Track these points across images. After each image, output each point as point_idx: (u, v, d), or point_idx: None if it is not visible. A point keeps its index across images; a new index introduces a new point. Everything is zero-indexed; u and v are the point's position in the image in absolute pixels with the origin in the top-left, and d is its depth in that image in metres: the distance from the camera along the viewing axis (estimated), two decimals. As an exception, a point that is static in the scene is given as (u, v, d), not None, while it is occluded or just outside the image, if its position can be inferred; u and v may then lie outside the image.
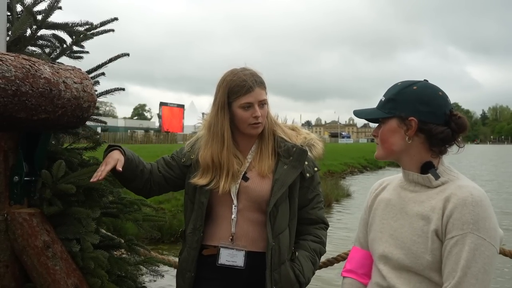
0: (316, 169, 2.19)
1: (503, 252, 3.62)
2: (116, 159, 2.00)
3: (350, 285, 1.80)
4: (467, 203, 1.48)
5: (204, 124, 2.23)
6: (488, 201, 1.51)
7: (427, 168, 1.62)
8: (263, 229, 2.07)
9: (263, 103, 2.08)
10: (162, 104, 57.08)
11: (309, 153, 2.17)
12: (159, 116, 56.79)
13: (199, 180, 2.10)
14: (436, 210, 1.54)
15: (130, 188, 2.18)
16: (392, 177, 1.84)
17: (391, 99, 1.63)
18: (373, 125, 1.74)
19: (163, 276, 2.63)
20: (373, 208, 1.78)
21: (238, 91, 2.05)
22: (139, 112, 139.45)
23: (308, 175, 2.14)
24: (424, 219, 1.55)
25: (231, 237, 2.07)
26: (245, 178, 2.11)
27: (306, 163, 2.14)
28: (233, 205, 2.08)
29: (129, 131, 53.47)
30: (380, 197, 1.78)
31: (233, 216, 2.08)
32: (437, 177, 1.60)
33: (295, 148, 2.13)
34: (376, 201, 1.78)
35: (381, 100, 1.67)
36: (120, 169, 1.97)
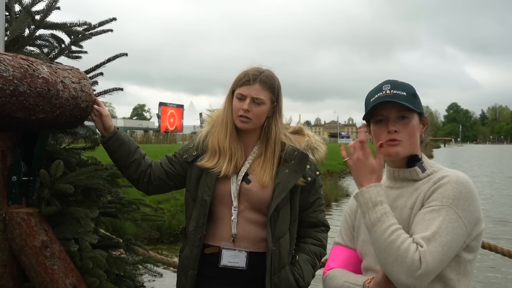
0: (317, 172, 2.20)
1: (500, 252, 3.63)
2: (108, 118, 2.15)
3: (338, 271, 1.74)
4: (451, 181, 1.52)
5: (208, 121, 2.27)
6: (473, 187, 1.53)
7: (414, 161, 1.65)
8: (264, 230, 2.08)
9: (258, 102, 2.09)
10: (161, 104, 57.06)
11: (311, 156, 2.18)
12: (158, 116, 56.74)
13: (206, 162, 2.14)
14: (420, 196, 1.57)
15: (125, 176, 2.23)
16: None
17: (415, 94, 1.65)
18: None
19: (161, 275, 2.63)
20: (358, 212, 1.77)
21: (239, 81, 2.12)
22: (139, 112, 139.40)
23: (309, 178, 2.15)
24: (412, 207, 1.58)
25: (232, 238, 2.08)
26: (246, 180, 2.12)
27: (308, 166, 2.14)
28: (233, 207, 2.09)
29: (128, 131, 53.41)
30: None
31: (233, 217, 2.09)
32: (423, 169, 1.64)
33: (297, 152, 2.14)
34: None
35: (398, 93, 1.61)
36: (97, 108, 2.11)
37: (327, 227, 2.27)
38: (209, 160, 2.14)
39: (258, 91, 2.09)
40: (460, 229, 1.47)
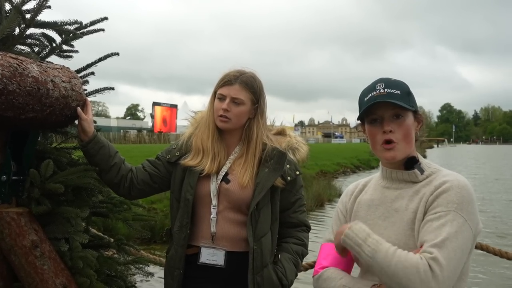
0: (297, 172, 2.20)
1: (492, 252, 3.64)
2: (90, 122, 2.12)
3: (335, 272, 1.70)
4: (454, 186, 1.52)
5: (192, 122, 2.31)
6: (472, 190, 1.54)
7: (412, 163, 1.64)
8: (244, 229, 2.09)
9: (237, 102, 2.12)
10: (155, 104, 56.92)
11: (292, 156, 2.20)
12: (152, 116, 56.58)
13: (189, 161, 2.16)
14: (423, 200, 1.56)
15: (105, 181, 2.21)
16: (367, 178, 1.85)
17: (409, 92, 1.64)
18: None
19: (153, 275, 2.63)
20: (353, 211, 1.77)
21: (220, 82, 2.16)
22: (132, 112, 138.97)
23: (289, 178, 2.16)
24: (415, 211, 1.57)
25: (211, 237, 2.10)
26: (226, 180, 2.13)
27: (288, 166, 2.16)
28: (212, 205, 2.10)
29: (122, 131, 53.24)
30: (359, 199, 1.77)
31: (212, 215, 2.10)
32: (422, 171, 1.63)
33: (275, 151, 2.15)
34: (356, 203, 1.77)
35: (392, 92, 1.60)
36: (81, 111, 2.08)
37: (308, 227, 2.29)
38: (192, 159, 2.16)
39: (238, 91, 2.12)
40: (467, 232, 1.47)
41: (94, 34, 2.35)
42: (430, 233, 1.47)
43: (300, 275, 2.32)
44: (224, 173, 2.14)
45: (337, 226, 1.82)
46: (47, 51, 2.27)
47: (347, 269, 1.75)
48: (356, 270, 1.77)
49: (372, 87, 1.65)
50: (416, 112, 1.65)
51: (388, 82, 1.64)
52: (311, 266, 3.14)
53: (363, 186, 1.81)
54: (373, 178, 1.81)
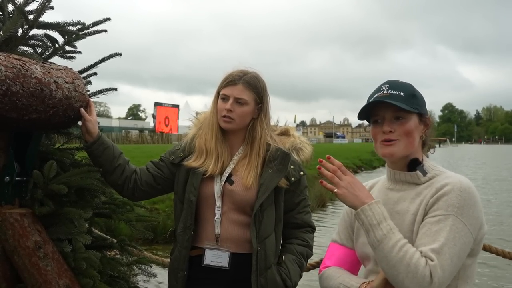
0: (302, 173, 2.19)
1: (495, 252, 3.64)
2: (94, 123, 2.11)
3: (334, 271, 1.75)
4: (455, 189, 1.51)
5: (195, 123, 2.30)
6: (475, 192, 1.53)
7: (415, 165, 1.64)
8: (248, 231, 2.08)
9: (241, 102, 2.11)
10: (156, 104, 57.01)
11: (296, 157, 2.19)
12: (154, 116, 56.66)
13: (192, 162, 2.16)
14: (423, 202, 1.56)
15: (109, 182, 2.21)
16: (375, 180, 1.85)
17: (414, 95, 1.63)
18: (367, 124, 1.73)
19: (155, 276, 2.62)
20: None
21: (223, 82, 2.15)
22: (134, 112, 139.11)
23: (293, 179, 2.15)
24: (414, 214, 1.57)
25: (216, 238, 2.09)
26: (230, 181, 2.12)
27: (292, 166, 2.15)
28: (216, 207, 2.10)
29: (123, 131, 53.26)
30: None
31: (216, 217, 2.09)
32: (424, 173, 1.63)
33: (279, 152, 2.14)
34: None
35: (395, 94, 1.60)
36: (85, 112, 2.07)
37: (312, 228, 2.28)
38: (195, 160, 2.16)
39: (241, 91, 2.11)
40: (466, 238, 1.47)
41: (95, 35, 2.35)
42: (428, 237, 1.47)
43: (303, 275, 2.31)
44: (227, 174, 2.13)
45: (343, 228, 1.84)
46: (50, 52, 2.27)
47: (352, 270, 1.76)
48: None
49: (377, 89, 1.67)
50: (422, 115, 1.64)
51: (393, 84, 1.65)
52: (314, 266, 3.13)
53: (369, 188, 1.81)
54: (380, 180, 1.81)
